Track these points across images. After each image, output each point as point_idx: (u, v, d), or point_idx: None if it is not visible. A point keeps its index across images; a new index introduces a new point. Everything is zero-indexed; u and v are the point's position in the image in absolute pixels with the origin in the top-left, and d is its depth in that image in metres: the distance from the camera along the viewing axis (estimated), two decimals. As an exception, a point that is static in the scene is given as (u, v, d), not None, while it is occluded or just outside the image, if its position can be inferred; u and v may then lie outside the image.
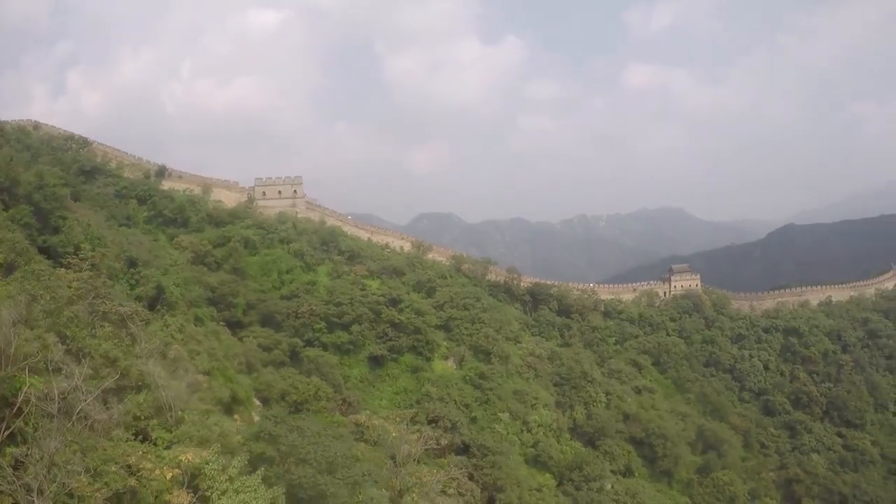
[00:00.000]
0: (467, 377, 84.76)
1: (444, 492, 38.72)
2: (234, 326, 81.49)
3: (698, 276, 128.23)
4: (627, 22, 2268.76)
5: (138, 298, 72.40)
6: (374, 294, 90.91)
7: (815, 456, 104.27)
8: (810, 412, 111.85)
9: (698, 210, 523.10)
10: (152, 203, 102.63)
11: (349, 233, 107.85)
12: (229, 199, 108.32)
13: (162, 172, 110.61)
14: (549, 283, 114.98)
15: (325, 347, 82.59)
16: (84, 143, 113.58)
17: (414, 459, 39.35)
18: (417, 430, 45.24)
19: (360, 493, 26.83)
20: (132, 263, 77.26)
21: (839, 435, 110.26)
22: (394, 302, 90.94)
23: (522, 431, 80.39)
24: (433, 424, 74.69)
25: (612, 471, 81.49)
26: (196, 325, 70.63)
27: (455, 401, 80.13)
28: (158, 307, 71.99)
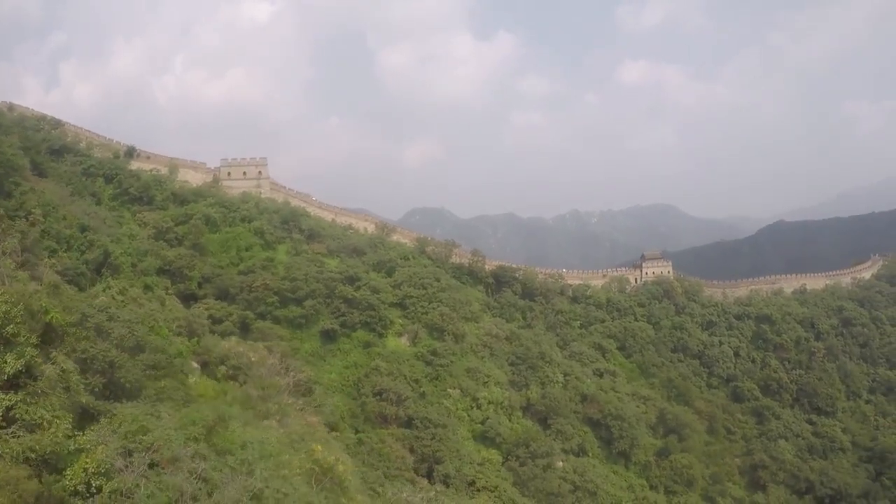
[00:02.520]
0: (419, 354, 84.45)
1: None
2: (189, 299, 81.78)
3: (670, 264, 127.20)
4: (619, 17, 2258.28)
5: (86, 263, 73.86)
6: (330, 271, 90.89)
7: (782, 442, 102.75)
8: (780, 399, 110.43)
9: (690, 207, 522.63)
10: (118, 181, 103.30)
11: (313, 213, 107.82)
12: (196, 180, 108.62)
13: (131, 153, 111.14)
14: (514, 266, 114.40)
15: (277, 321, 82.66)
16: (56, 123, 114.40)
17: (285, 392, 39.18)
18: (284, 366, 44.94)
19: (162, 381, 26.83)
20: (83, 229, 78.52)
21: (809, 422, 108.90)
22: (351, 279, 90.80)
23: (472, 408, 79.96)
24: (378, 397, 74.86)
25: (563, 450, 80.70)
26: (144, 293, 71.50)
27: (405, 376, 79.90)
28: (103, 271, 72.98)
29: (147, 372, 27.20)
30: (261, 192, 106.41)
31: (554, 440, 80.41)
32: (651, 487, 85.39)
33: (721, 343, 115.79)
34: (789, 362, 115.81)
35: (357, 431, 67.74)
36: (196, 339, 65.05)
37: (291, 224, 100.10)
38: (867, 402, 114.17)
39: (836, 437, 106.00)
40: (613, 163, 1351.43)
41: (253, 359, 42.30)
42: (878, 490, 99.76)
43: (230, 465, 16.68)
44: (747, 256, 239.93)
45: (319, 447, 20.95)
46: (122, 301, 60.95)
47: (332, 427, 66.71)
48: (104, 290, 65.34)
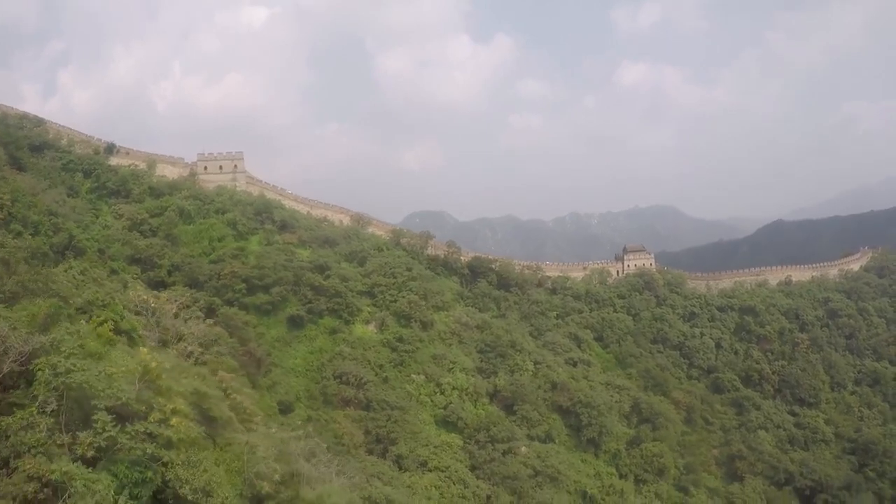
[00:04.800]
0: (386, 340, 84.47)
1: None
2: (158, 286, 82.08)
3: (652, 256, 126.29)
4: (615, 20, 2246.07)
5: (51, 246, 75.44)
6: (299, 260, 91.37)
7: (761, 433, 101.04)
8: (761, 390, 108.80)
9: (690, 208, 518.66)
10: (96, 176, 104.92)
11: (288, 206, 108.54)
12: (173, 174, 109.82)
13: (111, 149, 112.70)
14: (490, 257, 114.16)
15: (245, 308, 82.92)
16: (39, 122, 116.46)
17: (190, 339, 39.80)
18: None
19: (37, 299, 27.48)
20: (51, 214, 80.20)
21: (791, 413, 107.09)
22: (321, 268, 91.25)
23: (435, 393, 79.66)
24: (338, 380, 75.07)
25: (529, 436, 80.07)
26: (109, 276, 72.62)
27: (369, 361, 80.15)
28: (67, 253, 74.26)
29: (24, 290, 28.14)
30: (236, 186, 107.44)
31: (519, 426, 79.80)
32: (621, 476, 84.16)
33: (702, 334, 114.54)
34: (772, 353, 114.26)
35: (312, 411, 67.87)
36: (203, 346, 65.93)
37: (265, 215, 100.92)
38: (852, 393, 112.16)
39: (819, 428, 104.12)
40: (613, 165, 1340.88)
41: (153, 305, 42.68)
42: (860, 482, 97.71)
43: (40, 341, 17.20)
44: (746, 256, 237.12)
45: (146, 349, 21.37)
46: (83, 280, 61.92)
47: (286, 406, 67.26)
48: (65, 271, 66.54)
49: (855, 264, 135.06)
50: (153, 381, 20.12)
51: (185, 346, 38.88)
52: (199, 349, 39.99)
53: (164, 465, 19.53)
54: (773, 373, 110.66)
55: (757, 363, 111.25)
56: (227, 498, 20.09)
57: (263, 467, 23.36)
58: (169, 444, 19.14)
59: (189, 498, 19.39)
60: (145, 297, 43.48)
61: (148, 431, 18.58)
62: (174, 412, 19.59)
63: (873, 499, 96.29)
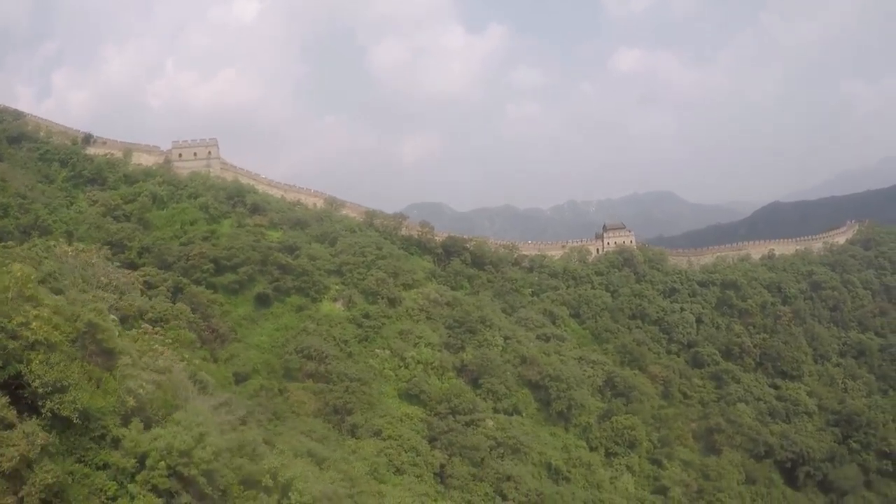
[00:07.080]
0: (352, 317, 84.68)
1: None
2: (129, 268, 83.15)
3: (632, 233, 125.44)
4: (606, 5, 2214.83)
5: (18, 227, 76.85)
6: (269, 241, 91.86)
7: (741, 406, 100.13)
8: (742, 363, 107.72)
9: (688, 193, 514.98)
10: (72, 165, 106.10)
11: (261, 190, 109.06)
12: (149, 162, 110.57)
13: (88, 139, 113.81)
14: (465, 237, 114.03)
15: (213, 287, 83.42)
16: (17, 115, 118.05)
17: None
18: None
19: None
20: (21, 196, 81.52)
21: (773, 386, 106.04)
22: (290, 249, 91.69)
23: (400, 367, 79.75)
24: (299, 354, 75.48)
25: (495, 409, 79.88)
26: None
27: (334, 337, 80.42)
28: (33, 232, 75.43)
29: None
30: (210, 171, 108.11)
31: (485, 400, 79.60)
32: (591, 449, 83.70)
33: (682, 309, 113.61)
34: (754, 327, 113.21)
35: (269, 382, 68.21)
36: (120, 294, 66.58)
37: (237, 199, 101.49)
38: (836, 365, 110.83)
39: (801, 400, 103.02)
40: (611, 152, 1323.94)
41: (71, 255, 43.26)
42: (844, 454, 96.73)
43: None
44: (743, 238, 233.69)
45: (19, 266, 22.48)
46: (45, 256, 62.59)
47: (242, 377, 67.68)
48: (30, 248, 67.41)
49: (840, 237, 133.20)
50: (25, 293, 21.22)
51: (102, 294, 39.34)
52: (115, 297, 40.46)
53: (21, 362, 20.92)
54: (755, 346, 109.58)
55: (738, 337, 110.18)
56: (79, 397, 20.92)
57: (132, 384, 24.12)
58: (29, 346, 20.66)
59: (40, 391, 20.86)
60: (66, 249, 43.97)
61: (5, 328, 20.05)
62: (36, 317, 20.61)
63: (857, 470, 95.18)
